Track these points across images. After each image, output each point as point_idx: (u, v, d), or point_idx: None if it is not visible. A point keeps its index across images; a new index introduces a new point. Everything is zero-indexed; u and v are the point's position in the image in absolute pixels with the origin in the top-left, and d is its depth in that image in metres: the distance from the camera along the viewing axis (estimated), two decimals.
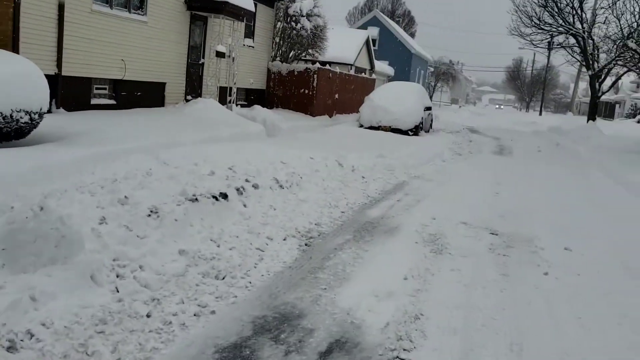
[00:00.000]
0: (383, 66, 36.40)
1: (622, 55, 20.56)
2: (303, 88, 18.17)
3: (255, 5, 17.01)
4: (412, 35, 55.56)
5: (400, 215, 7.17)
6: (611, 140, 19.90)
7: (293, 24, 18.41)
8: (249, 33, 17.27)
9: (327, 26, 19.89)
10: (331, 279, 4.70)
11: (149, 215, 4.89)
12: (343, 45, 26.34)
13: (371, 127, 16.79)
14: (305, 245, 5.60)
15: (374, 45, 37.57)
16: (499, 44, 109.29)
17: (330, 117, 19.37)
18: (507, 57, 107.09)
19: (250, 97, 17.76)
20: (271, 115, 14.29)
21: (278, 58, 19.09)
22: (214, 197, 5.67)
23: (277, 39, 19.09)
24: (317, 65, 18.24)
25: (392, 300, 4.29)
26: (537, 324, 4.08)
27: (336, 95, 20.27)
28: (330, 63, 22.57)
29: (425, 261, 5.30)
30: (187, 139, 9.43)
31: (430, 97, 56.57)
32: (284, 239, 5.61)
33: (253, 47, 17.45)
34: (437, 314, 4.10)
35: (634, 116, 43.96)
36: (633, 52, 17.52)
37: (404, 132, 16.60)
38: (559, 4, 23.23)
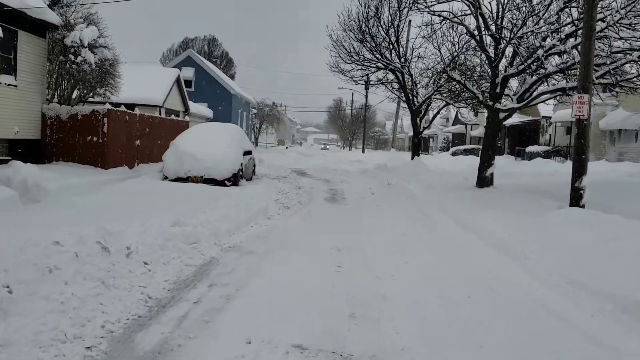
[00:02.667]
0: (201, 108, 33.45)
1: (441, 87, 20.10)
2: (90, 135, 14.49)
3: (16, 32, 13.18)
4: (232, 77, 53.56)
5: (194, 339, 4.26)
6: (440, 177, 19.14)
7: (72, 56, 14.70)
8: (9, 68, 13.28)
9: (119, 60, 16.42)
10: None
11: None
12: (149, 85, 23.11)
13: (178, 179, 13.53)
14: None
15: (189, 87, 34.60)
16: (320, 85, 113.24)
17: (130, 168, 15.85)
18: (328, 97, 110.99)
19: (17, 150, 13.64)
20: (35, 174, 10.54)
21: (56, 99, 15.19)
22: None
23: (55, 76, 15.22)
24: (108, 105, 14.72)
25: None
26: None
27: (137, 142, 16.80)
28: (134, 105, 19.07)
29: None
30: None
31: (257, 139, 55.14)
32: None
33: (16, 86, 13.46)
34: None
35: (448, 149, 46.34)
36: (456, 83, 16.77)
37: (220, 183, 13.68)
38: (376, 40, 22.48)
